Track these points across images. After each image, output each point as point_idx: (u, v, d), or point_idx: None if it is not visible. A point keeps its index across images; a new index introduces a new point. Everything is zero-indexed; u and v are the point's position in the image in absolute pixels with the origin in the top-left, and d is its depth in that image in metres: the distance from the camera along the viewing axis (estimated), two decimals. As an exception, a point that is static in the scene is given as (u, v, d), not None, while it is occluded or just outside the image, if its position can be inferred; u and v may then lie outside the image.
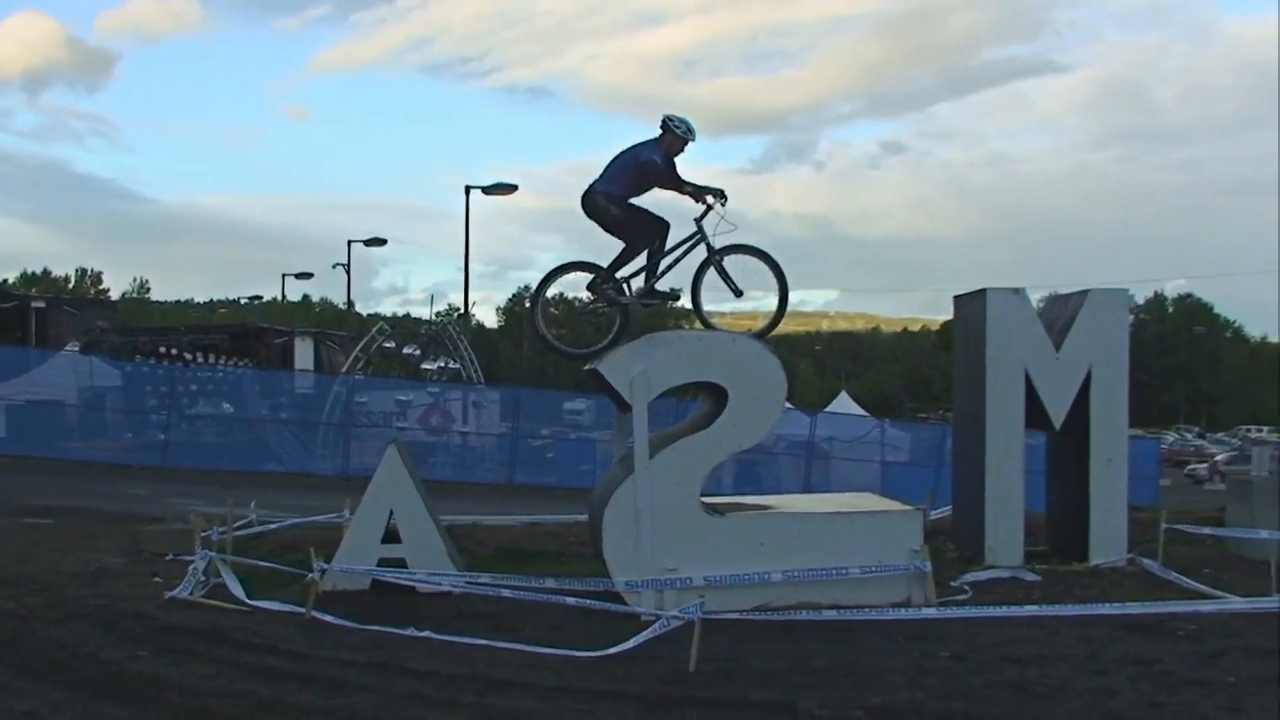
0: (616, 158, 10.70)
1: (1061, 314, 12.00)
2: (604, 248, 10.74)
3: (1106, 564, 11.33)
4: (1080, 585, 10.71)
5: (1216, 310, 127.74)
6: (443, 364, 41.47)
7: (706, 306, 10.71)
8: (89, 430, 32.99)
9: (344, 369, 38.03)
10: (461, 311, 52.84)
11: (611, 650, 8.07)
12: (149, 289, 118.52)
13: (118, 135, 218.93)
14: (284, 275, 63.77)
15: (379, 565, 10.20)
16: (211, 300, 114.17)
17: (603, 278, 10.65)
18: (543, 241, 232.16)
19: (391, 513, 10.45)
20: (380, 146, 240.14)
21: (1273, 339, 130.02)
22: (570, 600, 8.95)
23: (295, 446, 32.68)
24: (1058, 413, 11.59)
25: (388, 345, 40.83)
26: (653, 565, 9.48)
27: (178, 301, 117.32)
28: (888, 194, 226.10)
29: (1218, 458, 54.75)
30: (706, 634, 7.92)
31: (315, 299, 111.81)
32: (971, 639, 8.67)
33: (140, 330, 48.07)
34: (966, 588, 10.43)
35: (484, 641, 8.32)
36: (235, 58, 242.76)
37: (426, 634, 8.53)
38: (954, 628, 8.93)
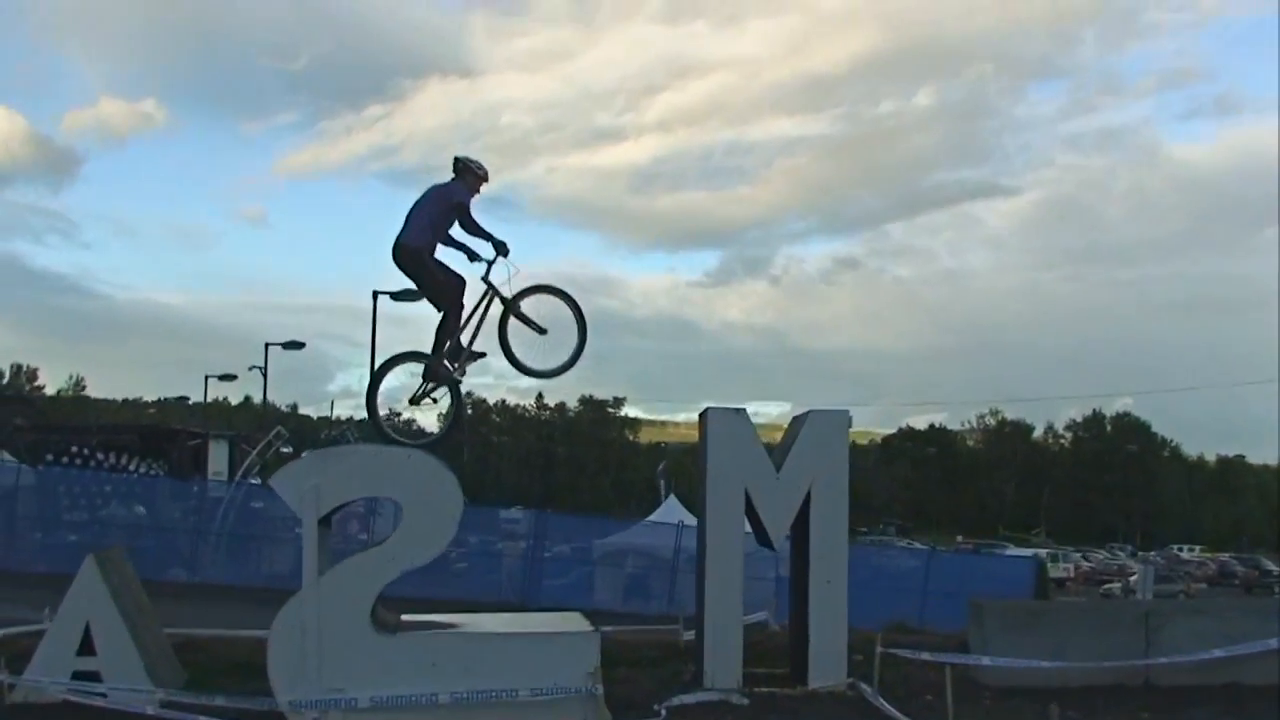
0: (418, 205, 10.95)
1: (794, 434, 12.01)
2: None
3: (825, 687, 11.21)
4: (788, 710, 10.60)
5: (1154, 429, 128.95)
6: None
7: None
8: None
9: (240, 474, 37.64)
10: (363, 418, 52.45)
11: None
12: (84, 386, 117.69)
13: (76, 232, 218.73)
14: (206, 376, 63.41)
15: (74, 678, 9.99)
16: (142, 400, 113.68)
17: (434, 361, 11.00)
18: (498, 347, 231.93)
19: (88, 625, 10.26)
20: (339, 251, 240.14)
21: (1209, 458, 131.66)
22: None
23: (196, 553, 32.08)
24: (777, 533, 11.57)
25: (285, 450, 40.47)
26: (318, 684, 9.33)
27: (108, 400, 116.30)
28: (840, 308, 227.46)
29: (1132, 577, 54.95)
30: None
31: (256, 400, 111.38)
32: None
33: (54, 429, 47.52)
34: (663, 711, 10.29)
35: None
36: (198, 159, 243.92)
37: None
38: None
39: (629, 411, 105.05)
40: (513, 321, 11.07)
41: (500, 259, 10.93)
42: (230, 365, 55.85)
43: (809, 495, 11.50)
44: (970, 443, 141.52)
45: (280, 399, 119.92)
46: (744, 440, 11.56)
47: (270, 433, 41.55)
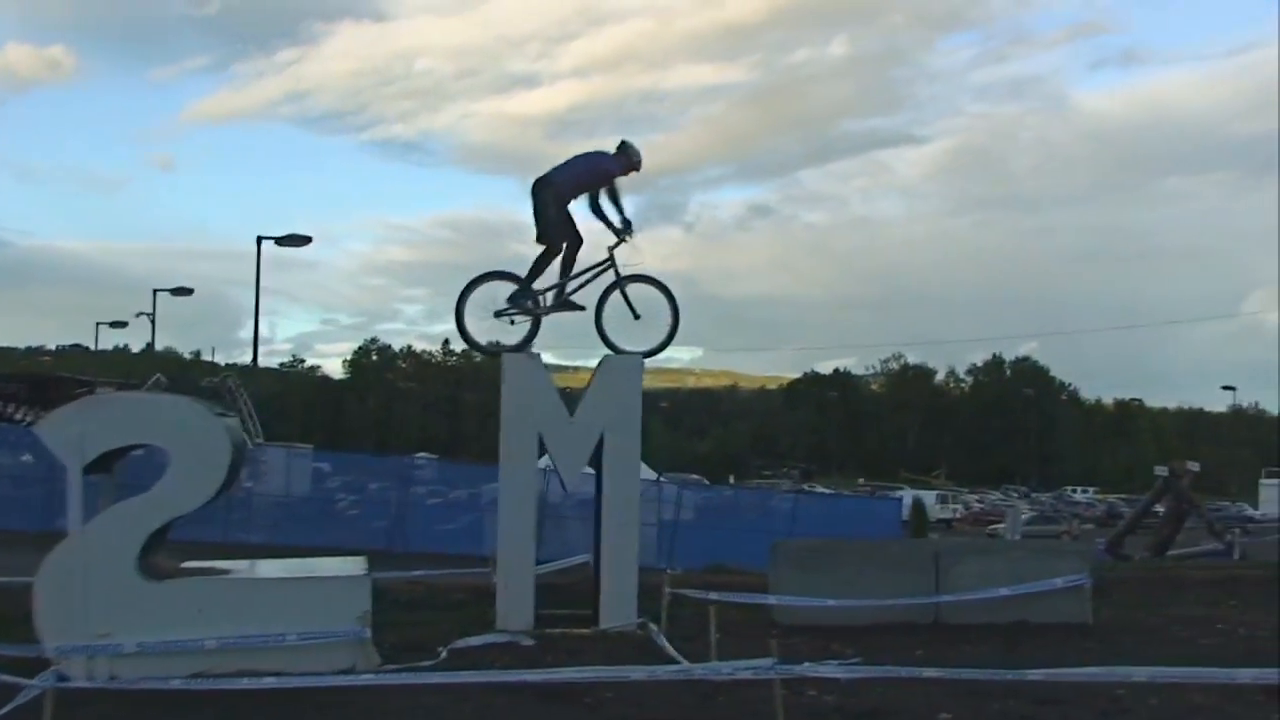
0: (577, 158, 12.04)
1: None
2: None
3: (615, 628, 11.37)
4: (570, 651, 10.72)
5: (1053, 374, 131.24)
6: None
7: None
8: None
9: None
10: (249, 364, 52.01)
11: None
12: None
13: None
14: (97, 324, 62.28)
15: None
16: (44, 348, 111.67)
17: (521, 288, 11.83)
18: (411, 294, 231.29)
19: None
20: (249, 197, 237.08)
21: (1106, 401, 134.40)
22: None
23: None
24: (569, 475, 11.70)
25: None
26: (85, 630, 9.29)
27: (9, 349, 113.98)
28: (754, 255, 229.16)
29: (1021, 518, 55.99)
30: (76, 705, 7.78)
31: (159, 348, 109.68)
32: (372, 708, 8.63)
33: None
34: (443, 652, 10.37)
35: None
36: (107, 106, 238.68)
37: None
38: (364, 696, 8.85)
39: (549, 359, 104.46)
40: (613, 296, 11.96)
41: (627, 238, 12.00)
42: (128, 313, 54.74)
43: (601, 439, 11.60)
44: (874, 387, 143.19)
45: (185, 346, 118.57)
46: (538, 385, 11.64)
47: (149, 380, 41.04)
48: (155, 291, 50.40)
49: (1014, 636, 11.57)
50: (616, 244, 12.01)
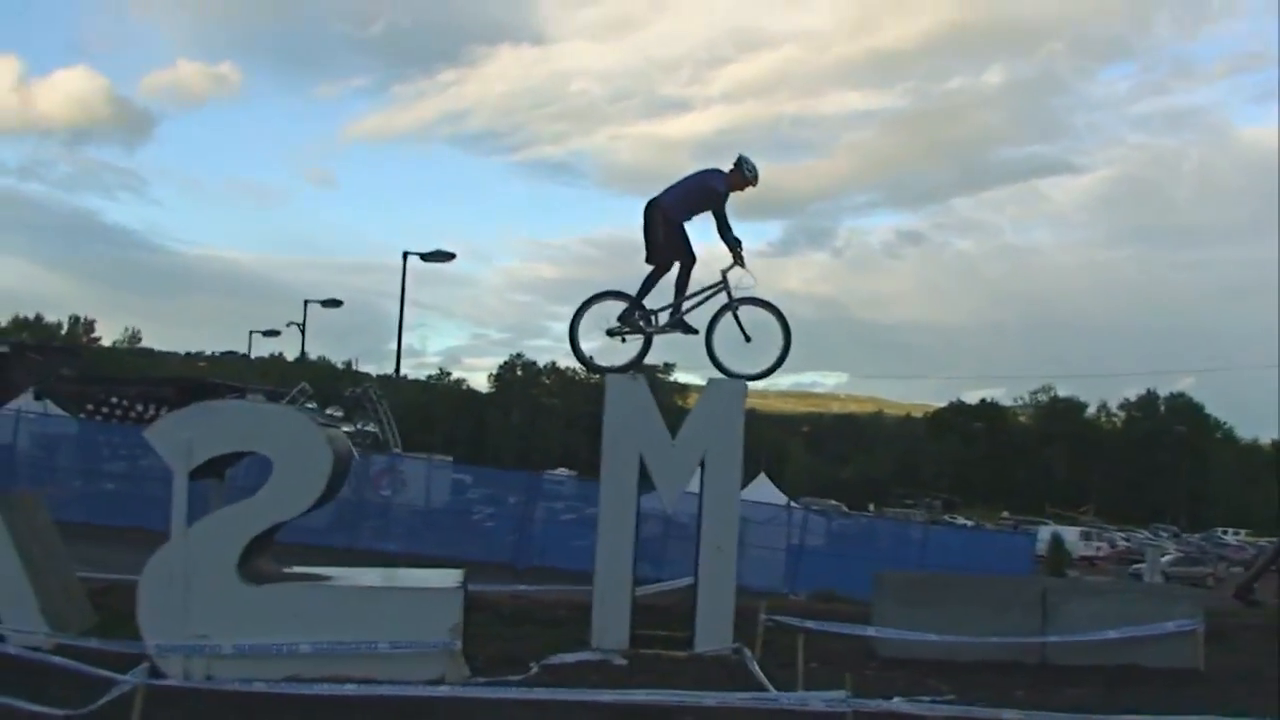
0: (687, 177, 12.05)
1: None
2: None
3: (709, 652, 11.32)
4: (661, 672, 10.69)
5: (1209, 411, 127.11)
6: (358, 427, 41.65)
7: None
8: (37, 478, 32.70)
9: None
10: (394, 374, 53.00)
11: (65, 711, 8.21)
12: (140, 339, 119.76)
13: (147, 189, 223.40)
14: (250, 332, 64.21)
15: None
16: (202, 354, 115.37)
17: (633, 306, 11.99)
18: (558, 311, 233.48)
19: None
20: (405, 213, 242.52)
21: (1264, 441, 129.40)
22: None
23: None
24: (669, 498, 11.66)
25: (309, 406, 40.97)
26: (184, 631, 9.58)
27: (170, 353, 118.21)
28: (902, 282, 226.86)
29: (1163, 559, 54.40)
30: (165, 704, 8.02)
31: (313, 357, 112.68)
32: (456, 718, 8.75)
33: (97, 380, 48.33)
34: (534, 668, 10.44)
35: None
36: (271, 122, 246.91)
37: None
38: (452, 707, 8.97)
39: (679, 377, 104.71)
40: (725, 318, 11.90)
41: (740, 262, 11.90)
42: (284, 322, 56.32)
43: (703, 463, 11.57)
44: (1022, 419, 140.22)
45: (338, 355, 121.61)
46: (640, 406, 11.65)
47: (295, 389, 42.13)
48: (306, 302, 51.84)
49: (1119, 680, 11.20)
50: (731, 266, 11.96)
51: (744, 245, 11.97)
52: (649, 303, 12.11)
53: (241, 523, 9.84)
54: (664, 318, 12.12)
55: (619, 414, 11.60)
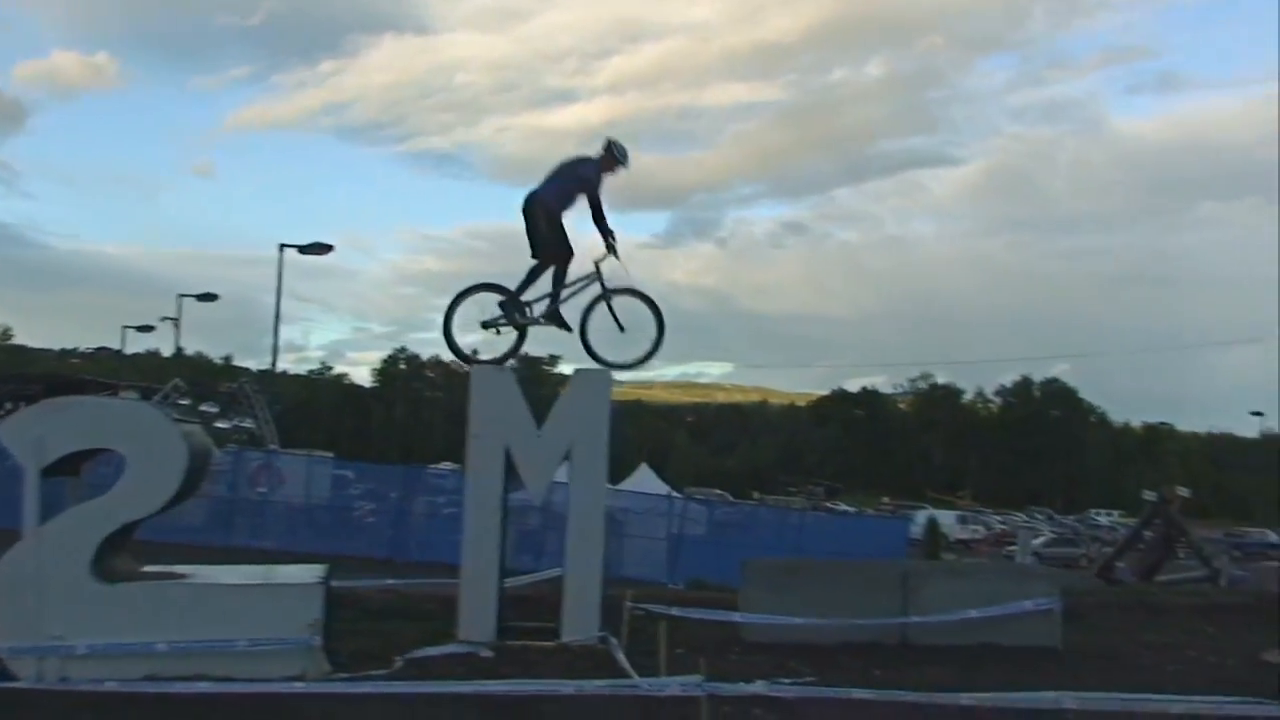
0: (560, 167, 11.93)
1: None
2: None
3: (576, 642, 11.35)
4: (528, 663, 10.72)
5: (1082, 395, 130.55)
6: (234, 424, 41.05)
7: None
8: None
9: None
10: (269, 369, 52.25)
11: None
12: (11, 335, 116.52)
13: (19, 181, 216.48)
14: (124, 327, 62.65)
15: None
16: (65, 349, 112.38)
17: (512, 299, 11.88)
18: (442, 304, 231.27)
19: None
20: (287, 205, 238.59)
21: (1135, 424, 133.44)
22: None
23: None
24: (537, 489, 11.68)
25: (182, 402, 40.26)
26: (37, 631, 9.37)
27: (45, 350, 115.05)
28: (787, 272, 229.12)
29: (1037, 540, 55.79)
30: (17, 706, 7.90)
31: (189, 352, 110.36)
32: (315, 716, 8.67)
33: (-38, 378, 46.91)
34: (399, 662, 10.40)
35: None
36: (150, 113, 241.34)
37: None
38: (310, 703, 8.90)
39: (564, 369, 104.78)
40: (599, 309, 11.91)
41: (613, 253, 11.93)
42: (159, 316, 55.06)
43: (569, 453, 11.59)
44: (901, 406, 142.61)
45: (217, 350, 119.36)
46: (506, 396, 11.63)
47: (168, 385, 41.35)
48: (180, 296, 50.87)
49: (978, 659, 11.46)
50: (604, 256, 11.99)
51: (617, 236, 12.00)
52: (525, 295, 12.06)
53: (95, 520, 9.64)
54: (540, 309, 12.08)
55: (484, 405, 11.57)
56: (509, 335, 12.04)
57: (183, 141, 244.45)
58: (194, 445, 10.16)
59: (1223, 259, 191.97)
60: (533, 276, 11.98)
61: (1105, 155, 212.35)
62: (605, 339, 12.02)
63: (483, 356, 12.18)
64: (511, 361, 12.15)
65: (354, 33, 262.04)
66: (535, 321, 12.03)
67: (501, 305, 11.96)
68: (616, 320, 11.91)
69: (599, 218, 11.87)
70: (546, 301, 12.04)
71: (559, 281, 12.02)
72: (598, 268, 11.98)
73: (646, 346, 12.00)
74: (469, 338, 12.31)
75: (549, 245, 11.86)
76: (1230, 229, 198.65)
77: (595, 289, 12.00)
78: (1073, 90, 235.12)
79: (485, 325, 12.03)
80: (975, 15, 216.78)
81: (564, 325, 12.06)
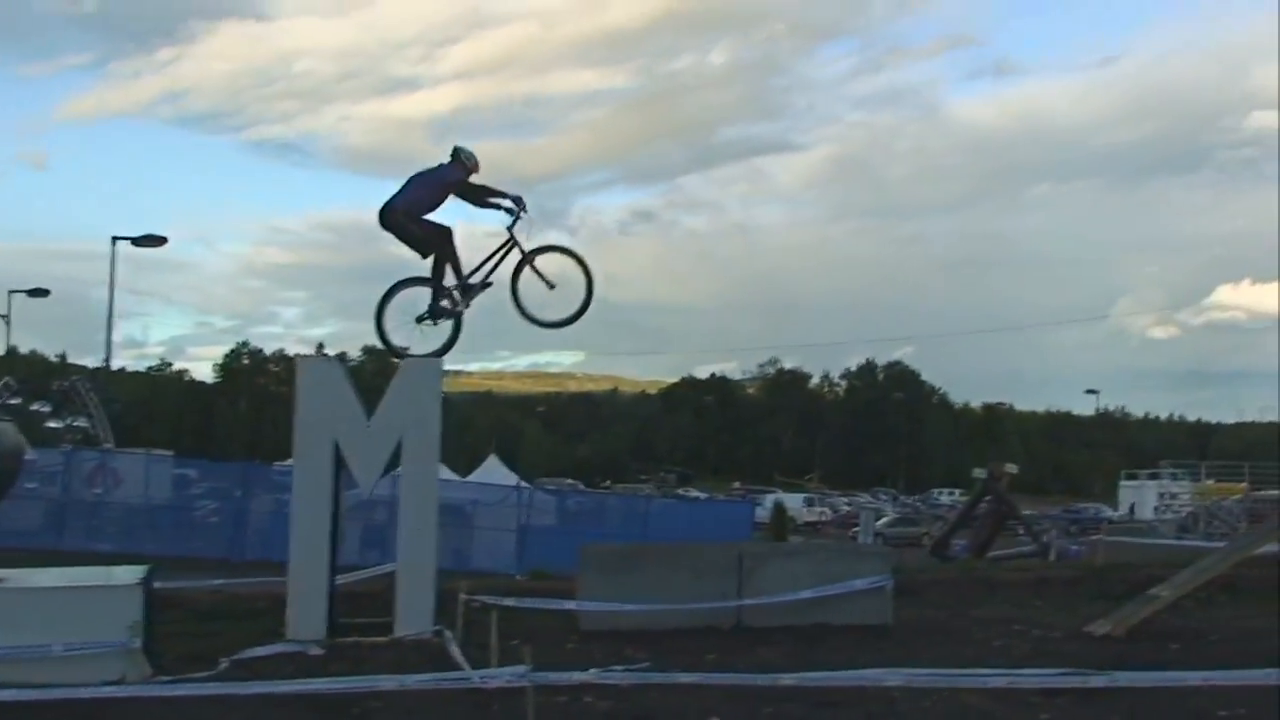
0: (417, 177, 12.04)
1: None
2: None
3: (410, 636, 11.20)
4: (358, 659, 10.54)
5: (925, 378, 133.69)
6: (68, 423, 39.81)
7: None
8: None
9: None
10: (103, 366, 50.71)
11: None
12: None
13: None
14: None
15: None
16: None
17: (437, 294, 12.03)
18: (288, 297, 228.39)
19: None
20: (125, 196, 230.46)
21: (975, 405, 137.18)
22: None
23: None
24: (366, 481, 11.53)
25: (13, 401, 38.82)
26: None
27: None
28: (637, 260, 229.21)
29: (880, 520, 56.99)
30: None
31: (24, 350, 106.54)
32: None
33: None
34: (224, 663, 10.14)
35: None
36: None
37: None
38: (130, 707, 8.60)
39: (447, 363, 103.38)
40: (526, 272, 11.99)
41: (522, 214, 12.02)
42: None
43: (400, 445, 11.44)
44: (750, 391, 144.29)
45: (52, 348, 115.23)
46: (334, 388, 11.44)
47: (-1, 383, 39.86)
48: (11, 292, 49.03)
49: (812, 639, 11.61)
50: (513, 222, 12.05)
51: (524, 200, 12.10)
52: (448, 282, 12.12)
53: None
54: (460, 294, 12.14)
55: (312, 397, 11.37)
56: (445, 326, 12.11)
57: (13, 131, 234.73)
58: (2, 445, 9.77)
59: (1058, 241, 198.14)
60: (439, 269, 12.05)
61: (944, 141, 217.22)
62: (538, 300, 12.17)
63: (419, 350, 12.11)
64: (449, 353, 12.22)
65: (193, 19, 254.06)
66: (465, 305, 12.11)
67: (431, 302, 12.06)
68: (544, 279, 12.03)
69: (484, 199, 12.04)
70: (460, 285, 12.11)
71: (455, 260, 12.05)
72: (511, 234, 12.04)
73: (580, 298, 12.06)
74: (401, 333, 12.17)
75: (427, 239, 11.95)
76: (1064, 211, 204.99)
77: (515, 255, 12.05)
78: (912, 76, 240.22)
79: (420, 320, 12.06)
80: (816, 2, 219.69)
81: (485, 285, 12.19)
